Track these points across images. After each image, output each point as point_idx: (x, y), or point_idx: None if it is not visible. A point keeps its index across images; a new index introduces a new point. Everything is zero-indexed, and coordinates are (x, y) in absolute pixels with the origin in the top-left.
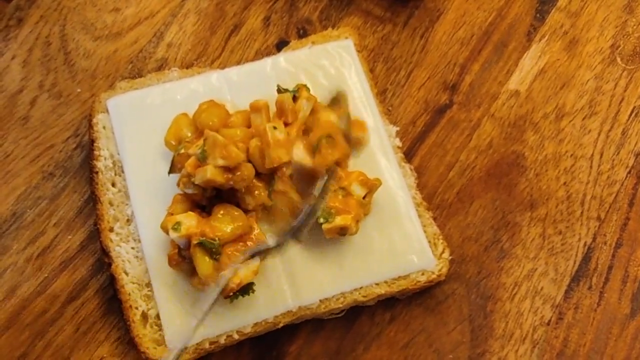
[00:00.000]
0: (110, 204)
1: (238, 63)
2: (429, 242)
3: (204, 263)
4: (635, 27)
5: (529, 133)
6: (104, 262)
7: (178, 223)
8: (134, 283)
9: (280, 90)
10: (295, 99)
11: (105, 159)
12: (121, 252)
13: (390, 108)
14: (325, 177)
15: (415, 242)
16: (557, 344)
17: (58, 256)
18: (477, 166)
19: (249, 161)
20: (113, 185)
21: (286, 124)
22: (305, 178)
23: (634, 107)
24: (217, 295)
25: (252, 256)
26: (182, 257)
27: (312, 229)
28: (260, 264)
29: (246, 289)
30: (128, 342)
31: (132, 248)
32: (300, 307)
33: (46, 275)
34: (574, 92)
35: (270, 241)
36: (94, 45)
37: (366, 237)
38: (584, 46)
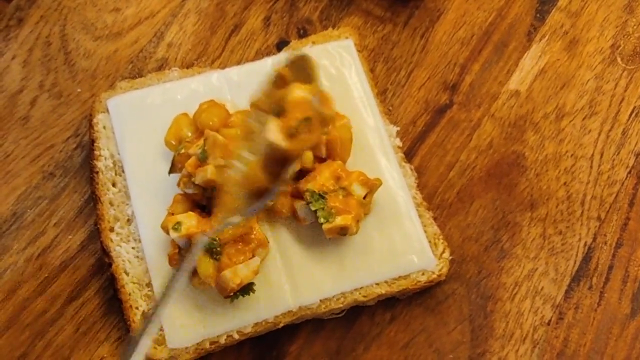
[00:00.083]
0: (111, 203)
1: (238, 63)
2: (429, 242)
3: (204, 263)
4: (635, 27)
5: (529, 133)
6: (104, 262)
7: (178, 223)
8: (134, 283)
9: None
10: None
11: (105, 158)
12: (121, 252)
13: (390, 108)
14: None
15: (415, 242)
16: (557, 344)
17: (58, 256)
18: (477, 166)
19: None
20: (113, 185)
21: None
22: (278, 160)
23: (634, 107)
24: (181, 276)
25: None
26: (182, 257)
27: (312, 229)
28: (261, 264)
29: (246, 289)
30: None
31: (133, 248)
32: (300, 307)
33: (46, 275)
34: (574, 92)
35: (234, 219)
36: (94, 45)
37: (366, 237)
38: (584, 46)
